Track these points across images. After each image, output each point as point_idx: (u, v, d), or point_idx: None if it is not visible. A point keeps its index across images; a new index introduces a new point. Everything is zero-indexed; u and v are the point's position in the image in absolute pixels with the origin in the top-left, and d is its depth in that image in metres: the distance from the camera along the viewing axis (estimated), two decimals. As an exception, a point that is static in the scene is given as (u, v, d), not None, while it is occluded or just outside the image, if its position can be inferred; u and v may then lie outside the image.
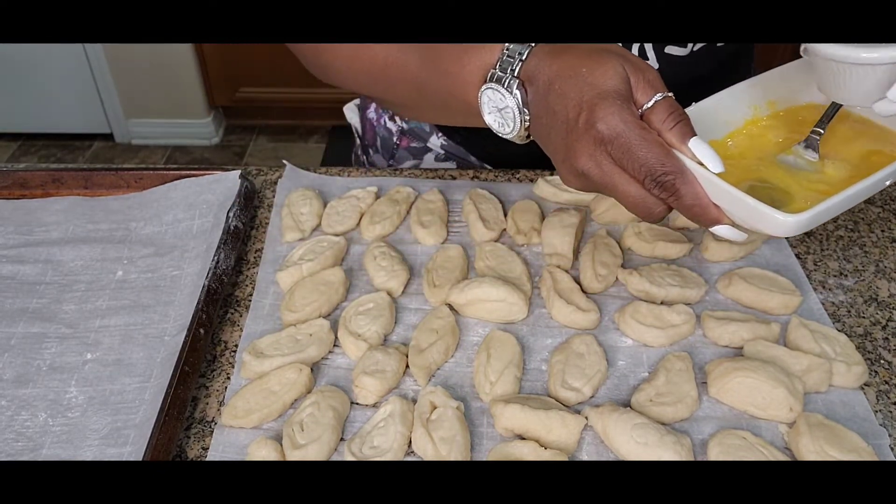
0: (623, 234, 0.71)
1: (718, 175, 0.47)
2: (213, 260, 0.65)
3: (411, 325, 0.63)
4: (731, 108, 0.57)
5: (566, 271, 0.67)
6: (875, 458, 0.50)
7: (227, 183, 0.75)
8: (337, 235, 0.71)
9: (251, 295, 0.66)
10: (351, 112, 0.98)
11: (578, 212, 0.70)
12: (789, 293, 0.63)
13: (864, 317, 0.64)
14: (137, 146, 2.73)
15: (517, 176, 0.81)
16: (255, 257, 0.71)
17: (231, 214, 0.70)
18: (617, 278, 0.66)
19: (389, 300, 0.63)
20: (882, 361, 0.60)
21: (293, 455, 0.51)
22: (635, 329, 0.61)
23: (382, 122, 0.89)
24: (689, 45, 0.69)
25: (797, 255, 0.70)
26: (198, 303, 0.61)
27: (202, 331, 0.59)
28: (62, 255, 0.70)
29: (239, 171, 0.76)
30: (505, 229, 0.73)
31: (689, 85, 0.61)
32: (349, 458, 0.51)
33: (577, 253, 0.69)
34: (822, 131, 0.54)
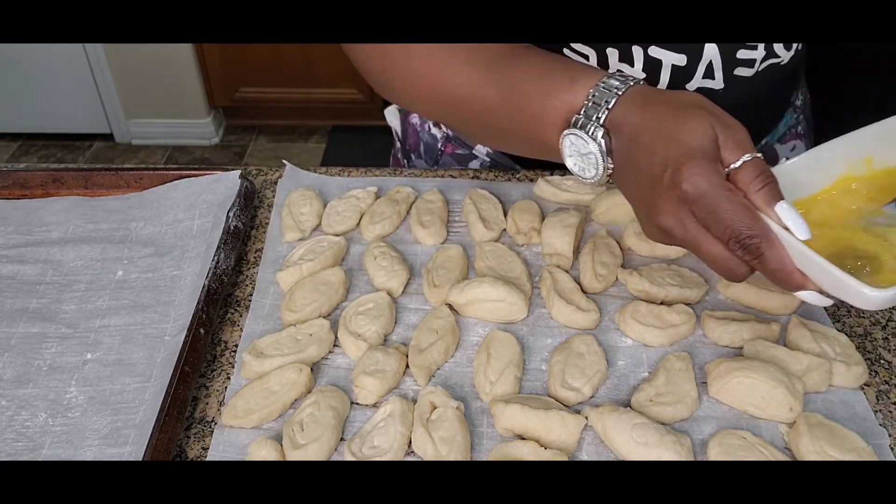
0: (623, 234, 0.71)
1: (805, 241, 0.46)
2: (213, 260, 0.65)
3: (411, 325, 0.63)
4: (823, 165, 0.53)
5: (566, 271, 0.67)
6: (875, 458, 0.50)
7: (227, 183, 0.75)
8: (337, 235, 0.71)
9: (251, 295, 0.66)
10: (392, 116, 0.96)
11: (578, 212, 0.70)
12: (789, 293, 0.63)
13: (864, 317, 0.64)
14: (137, 146, 2.73)
15: (517, 176, 0.81)
16: (255, 257, 0.71)
17: (231, 214, 0.70)
18: (617, 278, 0.66)
19: (389, 300, 0.63)
20: (882, 361, 0.60)
21: (293, 455, 0.51)
22: (635, 329, 0.61)
23: (427, 128, 0.87)
24: (756, 66, 0.67)
25: (797, 255, 0.70)
26: (198, 303, 0.61)
27: (202, 331, 0.59)
28: (62, 255, 0.70)
29: (239, 171, 0.76)
30: (505, 229, 0.73)
31: (749, 104, 0.60)
32: (349, 458, 0.51)
33: (577, 253, 0.69)
34: None
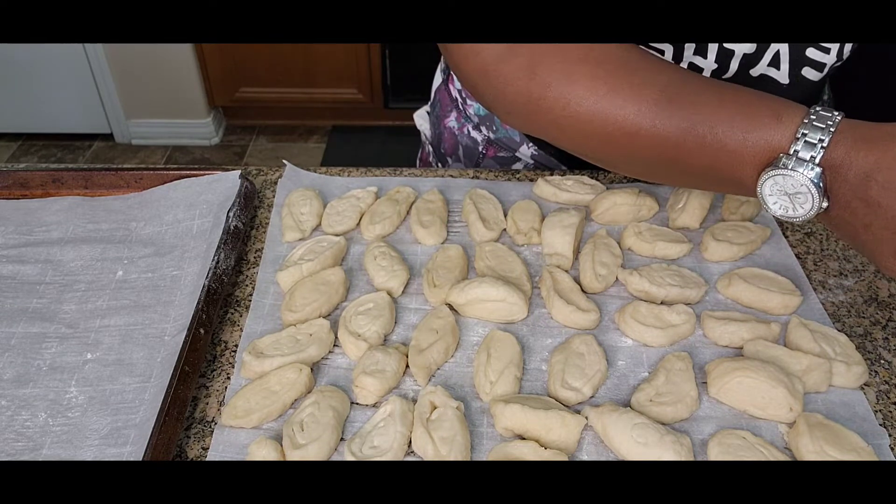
0: (623, 234, 0.71)
1: None
2: (213, 260, 0.65)
3: (411, 325, 0.63)
4: None
5: (566, 271, 0.67)
6: (875, 458, 0.50)
7: (227, 183, 0.75)
8: (337, 235, 0.71)
9: (251, 295, 0.66)
10: (421, 119, 0.96)
11: (578, 212, 0.70)
12: (789, 293, 0.63)
13: (864, 317, 0.64)
14: (137, 146, 2.73)
15: (517, 176, 0.81)
16: (255, 257, 0.71)
17: (231, 214, 0.70)
18: (617, 278, 0.66)
19: (389, 300, 0.63)
20: (882, 361, 0.60)
21: (293, 455, 0.51)
22: (635, 329, 0.61)
23: (466, 132, 0.86)
24: (825, 70, 0.67)
25: (797, 255, 0.70)
26: (198, 303, 0.61)
27: (202, 331, 0.59)
28: (62, 255, 0.70)
29: (239, 171, 0.76)
30: (505, 229, 0.73)
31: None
32: (349, 458, 0.51)
33: (577, 253, 0.69)
34: None
